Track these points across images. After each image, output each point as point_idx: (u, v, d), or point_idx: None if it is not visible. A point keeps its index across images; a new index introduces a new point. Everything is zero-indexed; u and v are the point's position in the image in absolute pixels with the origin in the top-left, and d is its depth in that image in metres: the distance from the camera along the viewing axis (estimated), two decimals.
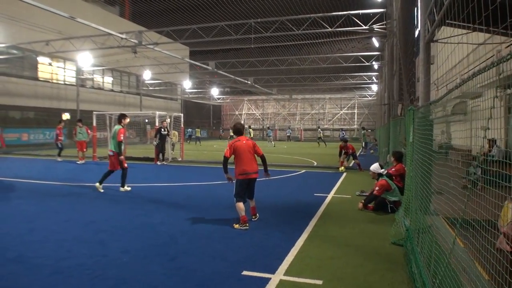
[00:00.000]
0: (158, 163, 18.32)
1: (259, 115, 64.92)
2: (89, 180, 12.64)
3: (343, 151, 16.50)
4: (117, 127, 10.52)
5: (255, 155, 7.40)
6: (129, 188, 10.80)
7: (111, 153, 10.62)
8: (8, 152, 24.38)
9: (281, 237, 6.34)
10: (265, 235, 6.42)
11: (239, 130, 7.55)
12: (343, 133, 40.86)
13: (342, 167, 16.01)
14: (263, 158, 7.58)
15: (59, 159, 18.84)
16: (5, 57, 27.90)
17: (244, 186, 7.23)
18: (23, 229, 6.61)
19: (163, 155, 18.62)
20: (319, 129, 41.26)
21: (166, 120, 19.29)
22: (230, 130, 35.89)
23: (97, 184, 10.51)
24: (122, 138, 10.39)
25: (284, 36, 24.27)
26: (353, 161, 16.81)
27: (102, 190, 10.39)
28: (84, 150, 18.68)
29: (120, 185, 10.64)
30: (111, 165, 10.64)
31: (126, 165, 10.60)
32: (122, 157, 10.43)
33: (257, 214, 7.60)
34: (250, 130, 36.75)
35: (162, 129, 18.15)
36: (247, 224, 6.87)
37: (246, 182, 7.25)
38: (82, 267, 4.87)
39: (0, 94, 28.70)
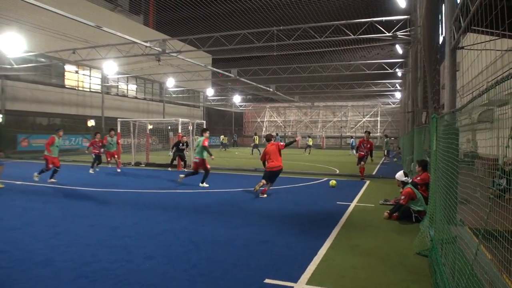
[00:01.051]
0: (181, 169, 18.48)
1: (281, 122, 64.88)
2: (113, 186, 12.84)
3: (362, 145, 15.82)
4: (202, 138, 13.17)
5: (280, 150, 11.36)
6: (207, 185, 12.89)
7: (196, 160, 13.23)
8: (35, 157, 24.96)
9: (303, 245, 6.31)
10: (287, 243, 6.39)
11: (269, 139, 11.84)
12: (352, 140, 40.61)
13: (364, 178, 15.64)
14: (286, 144, 11.92)
15: (91, 171, 17.28)
16: (34, 65, 28.66)
17: (268, 174, 11.27)
18: (49, 233, 6.76)
19: (184, 162, 18.70)
20: (308, 137, 41.41)
21: (189, 126, 19.45)
22: (255, 137, 37.01)
23: (200, 184, 12.92)
24: (206, 144, 12.98)
25: (307, 44, 24.26)
26: (362, 162, 15.67)
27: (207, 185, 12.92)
28: (109, 159, 18.70)
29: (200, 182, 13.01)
30: (195, 168, 13.35)
31: (209, 167, 13.25)
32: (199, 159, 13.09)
33: (265, 195, 11.11)
34: (256, 136, 37.80)
35: (181, 144, 18.26)
36: (262, 195, 11.12)
37: (271, 172, 11.25)
38: (106, 271, 4.94)
39: (28, 101, 29.49)
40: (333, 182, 13.44)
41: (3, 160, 12.95)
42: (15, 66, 27.22)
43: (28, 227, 7.22)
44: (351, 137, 46.67)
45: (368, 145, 15.78)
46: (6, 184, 13.02)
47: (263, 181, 11.12)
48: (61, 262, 5.30)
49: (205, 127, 21.66)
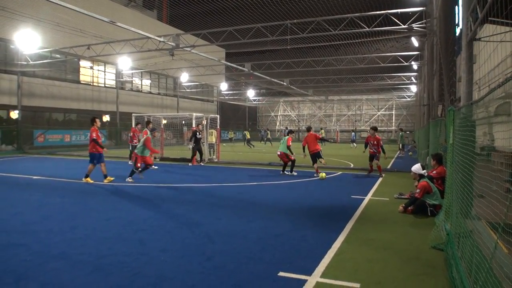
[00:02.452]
0: (196, 164, 18.61)
1: (295, 116, 64.72)
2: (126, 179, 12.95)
3: (370, 143, 14.88)
4: (286, 137, 14.93)
5: (317, 138, 14.96)
6: (295, 173, 14.70)
7: (279, 153, 14.91)
8: (51, 152, 25.30)
9: (317, 238, 6.30)
10: (302, 237, 6.39)
11: (309, 129, 15.45)
12: (353, 135, 40.68)
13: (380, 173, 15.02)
14: (322, 139, 16.24)
15: (130, 162, 17.98)
16: (49, 61, 28.98)
17: (311, 157, 14.47)
18: (66, 227, 6.85)
19: (201, 156, 18.83)
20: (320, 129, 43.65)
21: (203, 122, 19.48)
22: (264, 131, 38.20)
23: (289, 173, 14.77)
24: (290, 143, 14.66)
25: (321, 37, 24.09)
26: (375, 161, 14.81)
27: (295, 173, 14.79)
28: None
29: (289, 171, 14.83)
30: (282, 159, 14.98)
31: (293, 157, 14.78)
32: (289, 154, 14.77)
33: (319, 175, 14.00)
34: (246, 132, 41.10)
35: (198, 133, 18.27)
36: (317, 174, 14.24)
37: (310, 155, 14.49)
38: (122, 264, 5.00)
39: (44, 96, 29.86)
40: (322, 174, 14.02)
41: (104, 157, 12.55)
42: (31, 62, 27.57)
43: (46, 221, 7.34)
44: (352, 131, 46.75)
45: (375, 142, 14.75)
46: (24, 179, 13.24)
47: (314, 164, 14.55)
48: (78, 255, 5.37)
49: (219, 121, 21.77)
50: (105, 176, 12.50)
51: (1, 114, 27.81)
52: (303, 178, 13.68)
